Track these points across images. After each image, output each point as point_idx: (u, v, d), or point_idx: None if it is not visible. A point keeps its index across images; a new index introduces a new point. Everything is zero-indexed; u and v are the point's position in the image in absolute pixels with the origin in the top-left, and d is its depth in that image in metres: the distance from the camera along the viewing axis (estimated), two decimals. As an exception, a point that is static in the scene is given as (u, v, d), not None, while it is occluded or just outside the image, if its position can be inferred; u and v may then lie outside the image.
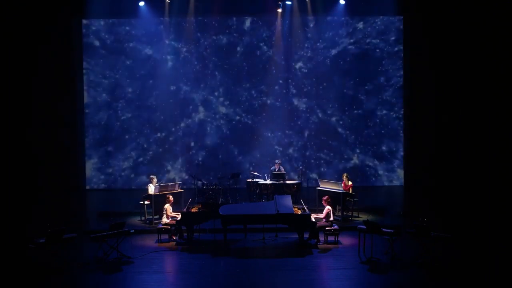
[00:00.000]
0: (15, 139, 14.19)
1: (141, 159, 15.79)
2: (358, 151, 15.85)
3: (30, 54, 14.39)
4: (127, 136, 15.89)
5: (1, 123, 14.10)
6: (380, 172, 15.91)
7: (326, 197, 12.25)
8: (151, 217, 13.51)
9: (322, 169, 15.41)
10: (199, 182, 13.60)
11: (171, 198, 12.67)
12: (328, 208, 11.95)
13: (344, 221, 13.50)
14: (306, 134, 15.98)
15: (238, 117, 16.07)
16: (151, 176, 13.76)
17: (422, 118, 15.22)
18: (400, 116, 15.85)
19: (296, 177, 14.54)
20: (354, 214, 14.02)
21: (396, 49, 15.79)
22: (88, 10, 15.15)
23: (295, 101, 16.05)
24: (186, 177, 14.22)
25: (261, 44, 15.90)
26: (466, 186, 14.09)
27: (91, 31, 15.63)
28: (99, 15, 15.43)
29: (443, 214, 13.34)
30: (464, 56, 14.37)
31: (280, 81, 15.99)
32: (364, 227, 10.70)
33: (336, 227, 11.92)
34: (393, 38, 15.77)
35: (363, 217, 13.50)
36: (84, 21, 15.50)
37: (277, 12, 15.66)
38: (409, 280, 9.41)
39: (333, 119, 15.96)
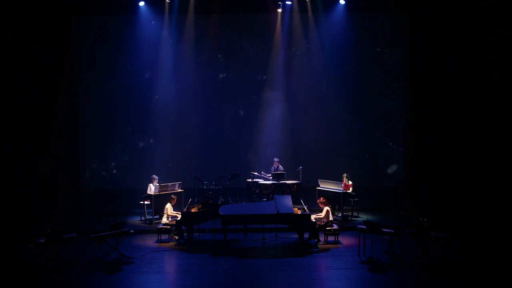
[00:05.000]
0: (14, 139, 14.17)
1: (141, 159, 15.75)
2: (358, 150, 15.81)
3: (30, 52, 14.37)
4: (127, 136, 15.86)
5: (1, 123, 14.09)
6: (380, 172, 15.87)
7: (320, 199, 12.30)
8: (151, 217, 13.54)
9: (322, 169, 15.35)
10: (202, 183, 13.61)
11: (175, 199, 12.72)
12: (327, 208, 11.98)
13: (344, 221, 13.53)
14: (306, 134, 15.93)
15: (237, 117, 16.04)
16: (153, 176, 13.78)
17: (423, 118, 15.21)
18: (401, 115, 15.82)
19: (296, 177, 14.56)
20: (354, 214, 14.05)
21: (397, 47, 15.73)
22: (88, 9, 15.14)
23: (295, 102, 15.99)
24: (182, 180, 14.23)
25: (261, 44, 15.86)
26: (466, 186, 14.09)
27: (92, 30, 15.59)
28: (99, 15, 15.41)
29: (443, 214, 13.35)
30: (467, 55, 14.33)
31: (280, 82, 15.95)
32: (364, 227, 10.72)
33: (336, 227, 11.94)
34: (394, 36, 15.72)
35: (363, 217, 13.52)
36: (84, 20, 15.46)
37: (277, 12, 15.65)
38: (409, 280, 9.41)
39: (334, 118, 15.91)
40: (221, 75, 15.96)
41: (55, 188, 14.84)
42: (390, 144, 15.88)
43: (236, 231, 12.27)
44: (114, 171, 15.81)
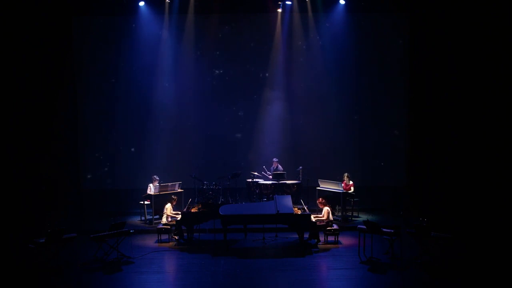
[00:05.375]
0: (14, 139, 14.17)
1: (141, 159, 15.74)
2: (358, 150, 15.80)
3: (30, 52, 14.36)
4: (127, 136, 15.83)
5: (1, 123, 14.09)
6: (380, 172, 15.85)
7: (320, 199, 12.29)
8: (151, 217, 13.54)
9: (322, 169, 15.33)
10: (202, 183, 13.62)
11: (176, 199, 12.72)
12: (327, 208, 11.98)
13: (344, 221, 13.52)
14: (306, 134, 15.92)
15: (237, 117, 16.04)
16: (154, 177, 13.76)
17: (423, 118, 15.20)
18: (401, 115, 15.81)
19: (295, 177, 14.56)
20: (354, 214, 14.05)
21: (398, 47, 15.71)
22: (88, 9, 15.13)
23: (295, 102, 15.98)
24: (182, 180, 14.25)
25: (261, 44, 15.85)
26: (466, 186, 14.09)
27: (92, 30, 15.58)
28: (99, 15, 15.40)
29: (443, 214, 13.35)
30: (467, 55, 14.31)
31: (280, 82, 15.94)
32: (364, 227, 10.71)
33: (336, 227, 11.94)
34: (394, 36, 15.69)
35: (363, 217, 13.52)
36: (84, 20, 15.46)
37: (277, 12, 15.65)
38: (409, 280, 9.41)
39: (334, 118, 15.90)
40: (221, 75, 15.95)
41: (55, 188, 14.83)
42: (390, 144, 15.86)
43: (236, 231, 12.27)
44: (114, 171, 15.77)
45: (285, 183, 14.28)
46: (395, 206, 14.37)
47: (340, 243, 11.69)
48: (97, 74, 15.65)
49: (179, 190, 13.96)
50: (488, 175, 13.75)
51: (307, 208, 12.38)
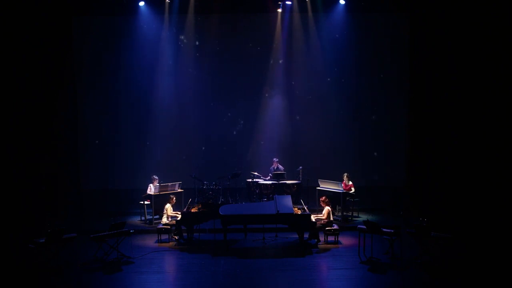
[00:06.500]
0: (14, 139, 14.17)
1: (141, 159, 15.74)
2: (358, 150, 15.81)
3: (30, 52, 14.36)
4: (127, 136, 15.84)
5: (1, 123, 14.10)
6: (380, 172, 15.86)
7: (323, 198, 12.30)
8: (151, 217, 13.54)
9: (322, 169, 15.33)
10: (202, 183, 13.63)
11: (174, 199, 12.74)
12: (328, 208, 11.98)
13: (344, 221, 13.52)
14: (306, 134, 15.92)
15: (237, 117, 16.04)
16: (154, 177, 13.76)
17: (423, 118, 15.20)
18: (401, 115, 15.81)
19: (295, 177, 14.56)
20: (354, 214, 14.04)
21: (397, 47, 15.72)
22: (88, 9, 15.13)
23: (295, 102, 15.99)
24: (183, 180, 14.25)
25: (261, 44, 15.85)
26: (466, 186, 14.09)
27: (92, 30, 15.58)
28: (99, 15, 15.40)
29: (443, 214, 13.35)
30: (467, 55, 14.30)
31: (280, 82, 15.95)
32: (364, 227, 10.72)
33: (336, 227, 11.94)
34: (394, 36, 15.69)
35: (363, 217, 13.52)
36: (84, 20, 15.46)
37: (277, 12, 15.65)
38: (409, 280, 9.41)
39: (334, 118, 15.90)
40: (221, 75, 15.94)
41: (55, 188, 14.84)
42: (390, 144, 15.86)
43: (236, 231, 12.27)
44: (114, 171, 15.76)
45: (285, 183, 14.28)
46: (395, 206, 14.37)
47: (340, 243, 11.70)
48: (97, 74, 15.65)
49: (179, 190, 13.96)
50: (488, 175, 13.75)
51: (307, 208, 12.38)
